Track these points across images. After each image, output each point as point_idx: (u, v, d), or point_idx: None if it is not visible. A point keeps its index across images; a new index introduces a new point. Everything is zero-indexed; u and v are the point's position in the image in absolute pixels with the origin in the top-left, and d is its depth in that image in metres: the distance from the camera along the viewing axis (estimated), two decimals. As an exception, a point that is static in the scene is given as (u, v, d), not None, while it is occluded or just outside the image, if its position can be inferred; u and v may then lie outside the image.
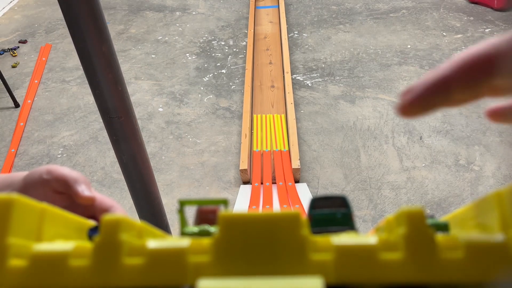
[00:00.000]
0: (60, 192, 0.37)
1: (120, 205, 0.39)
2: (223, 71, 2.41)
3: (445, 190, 1.63)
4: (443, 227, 0.21)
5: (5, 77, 2.15)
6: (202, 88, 2.28)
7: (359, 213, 1.57)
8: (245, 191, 1.67)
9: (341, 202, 0.22)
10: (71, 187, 0.36)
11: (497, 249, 0.15)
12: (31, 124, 2.10)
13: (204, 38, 2.73)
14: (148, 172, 0.88)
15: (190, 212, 0.25)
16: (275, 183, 1.69)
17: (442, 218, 0.25)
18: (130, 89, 2.19)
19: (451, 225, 0.23)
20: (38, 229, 0.19)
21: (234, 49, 2.60)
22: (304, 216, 0.17)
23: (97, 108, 0.77)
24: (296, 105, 2.10)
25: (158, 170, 1.78)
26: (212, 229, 0.21)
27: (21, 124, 2.08)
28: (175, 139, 1.96)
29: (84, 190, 0.36)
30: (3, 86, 2.15)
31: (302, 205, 1.55)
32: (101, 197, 0.39)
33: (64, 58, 2.59)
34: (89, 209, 0.38)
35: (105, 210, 0.38)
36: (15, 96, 2.20)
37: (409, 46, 2.48)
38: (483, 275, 0.15)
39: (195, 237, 0.19)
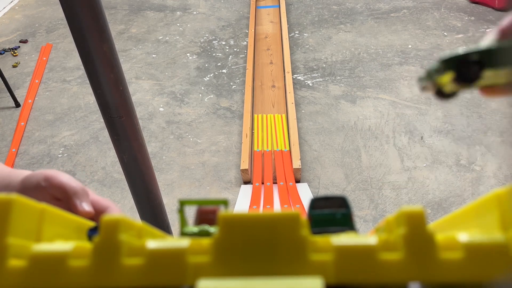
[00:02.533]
0: (58, 198, 0.37)
1: (116, 205, 0.39)
2: (224, 71, 2.41)
3: (446, 190, 1.63)
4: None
5: (6, 77, 2.15)
6: (202, 88, 2.28)
7: (360, 213, 1.57)
8: (246, 191, 1.67)
9: (341, 203, 0.22)
10: (70, 199, 0.36)
11: (497, 249, 0.15)
12: (32, 124, 2.10)
13: (204, 38, 2.73)
14: (149, 172, 0.88)
15: (191, 212, 0.25)
16: (276, 183, 1.69)
17: (442, 218, 0.25)
18: (130, 89, 2.19)
19: (452, 225, 0.23)
20: (38, 229, 0.19)
21: (235, 49, 2.60)
22: (304, 217, 0.17)
23: (97, 108, 0.78)
24: (297, 105, 2.10)
25: (159, 170, 1.79)
26: (212, 229, 0.21)
27: (22, 123, 2.08)
28: (175, 139, 1.96)
29: (83, 205, 0.36)
30: (4, 86, 2.15)
31: (303, 205, 1.55)
32: (98, 198, 0.39)
33: (64, 58, 2.59)
34: None
35: (101, 211, 0.38)
36: (16, 96, 2.20)
37: (410, 46, 2.48)
38: (482, 275, 0.15)
39: (195, 237, 0.19)
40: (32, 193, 0.36)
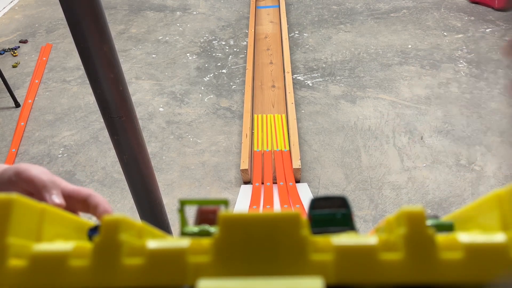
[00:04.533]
0: (31, 192, 0.37)
1: (98, 193, 0.39)
2: (224, 71, 2.41)
3: (446, 190, 1.63)
4: (448, 227, 0.21)
5: (5, 77, 2.15)
6: (202, 88, 2.28)
7: (360, 213, 1.57)
8: (246, 191, 1.67)
9: (341, 203, 0.22)
10: (39, 193, 0.36)
11: (497, 249, 0.15)
12: (32, 124, 2.10)
13: (204, 38, 2.73)
14: (149, 172, 0.88)
15: (191, 212, 0.25)
16: (276, 183, 1.69)
17: (442, 218, 0.25)
18: (130, 89, 2.19)
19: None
20: (38, 229, 0.19)
21: (235, 49, 2.60)
22: (304, 217, 0.17)
23: (97, 108, 0.78)
24: (297, 105, 2.10)
25: (159, 170, 1.78)
26: (212, 229, 0.21)
27: (22, 124, 2.08)
28: (175, 139, 1.96)
29: (53, 198, 0.36)
30: (3, 86, 2.15)
31: (303, 205, 1.55)
32: (77, 189, 0.38)
33: (64, 58, 2.59)
34: (67, 201, 0.37)
35: (83, 200, 0.37)
36: (16, 96, 2.20)
37: (410, 46, 2.48)
38: (482, 275, 0.15)
39: (195, 237, 0.19)
40: (5, 188, 0.36)
